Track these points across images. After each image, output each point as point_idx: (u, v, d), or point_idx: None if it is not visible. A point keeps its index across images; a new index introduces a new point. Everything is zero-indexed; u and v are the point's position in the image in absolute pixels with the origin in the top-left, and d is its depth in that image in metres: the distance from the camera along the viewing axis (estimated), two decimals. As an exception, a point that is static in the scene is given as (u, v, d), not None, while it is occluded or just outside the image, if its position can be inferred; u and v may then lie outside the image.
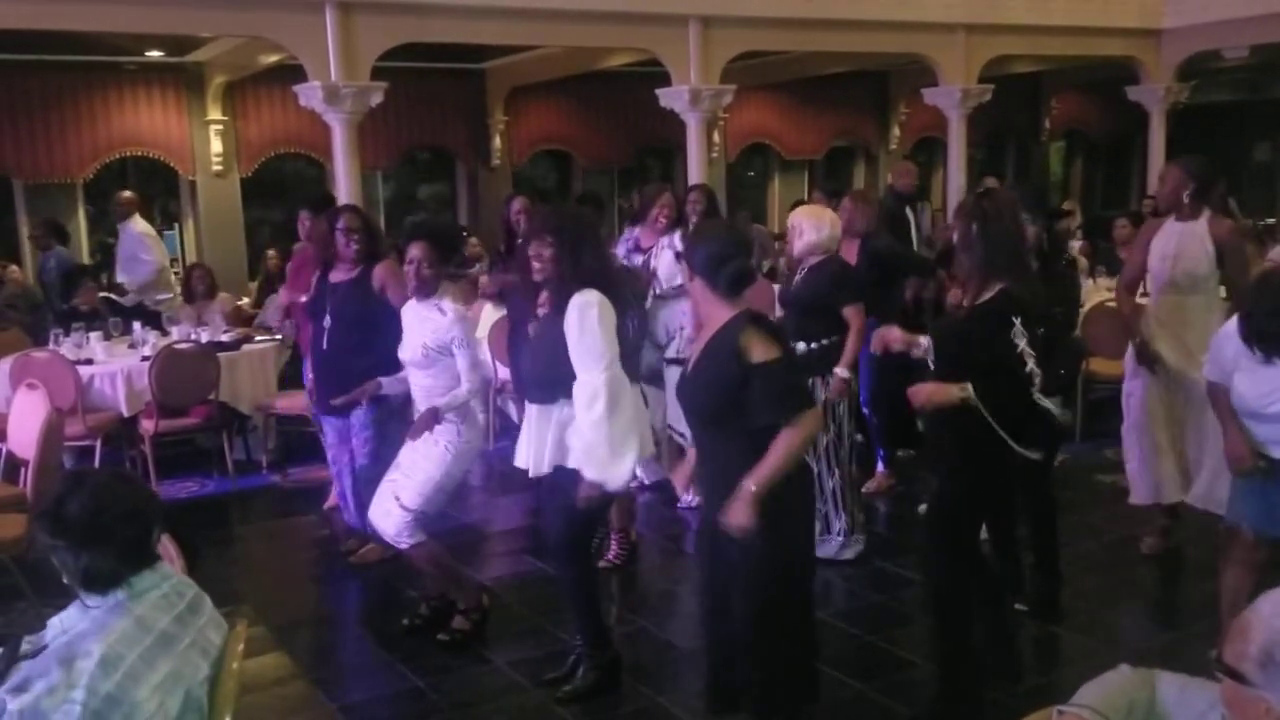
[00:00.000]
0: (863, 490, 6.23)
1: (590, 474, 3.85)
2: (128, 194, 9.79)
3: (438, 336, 4.54)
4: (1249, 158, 17.11)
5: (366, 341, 5.17)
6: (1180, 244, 5.13)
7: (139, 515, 2.41)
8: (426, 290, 4.63)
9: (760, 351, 3.18)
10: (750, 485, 3.16)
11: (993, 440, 3.67)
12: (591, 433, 3.83)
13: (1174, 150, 12.24)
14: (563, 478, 4.01)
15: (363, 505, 5.18)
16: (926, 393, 3.79)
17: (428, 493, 4.54)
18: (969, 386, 3.62)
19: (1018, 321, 3.62)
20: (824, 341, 5.32)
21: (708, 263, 3.30)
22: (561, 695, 4.19)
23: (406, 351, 4.67)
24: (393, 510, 4.55)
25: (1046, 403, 3.70)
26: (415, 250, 4.59)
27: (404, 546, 4.60)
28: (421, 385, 4.64)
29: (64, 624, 2.40)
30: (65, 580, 2.40)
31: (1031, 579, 4.80)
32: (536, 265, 3.93)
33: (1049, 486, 4.86)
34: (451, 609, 4.81)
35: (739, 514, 3.17)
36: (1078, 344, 7.32)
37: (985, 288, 3.74)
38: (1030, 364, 3.62)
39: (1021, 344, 3.62)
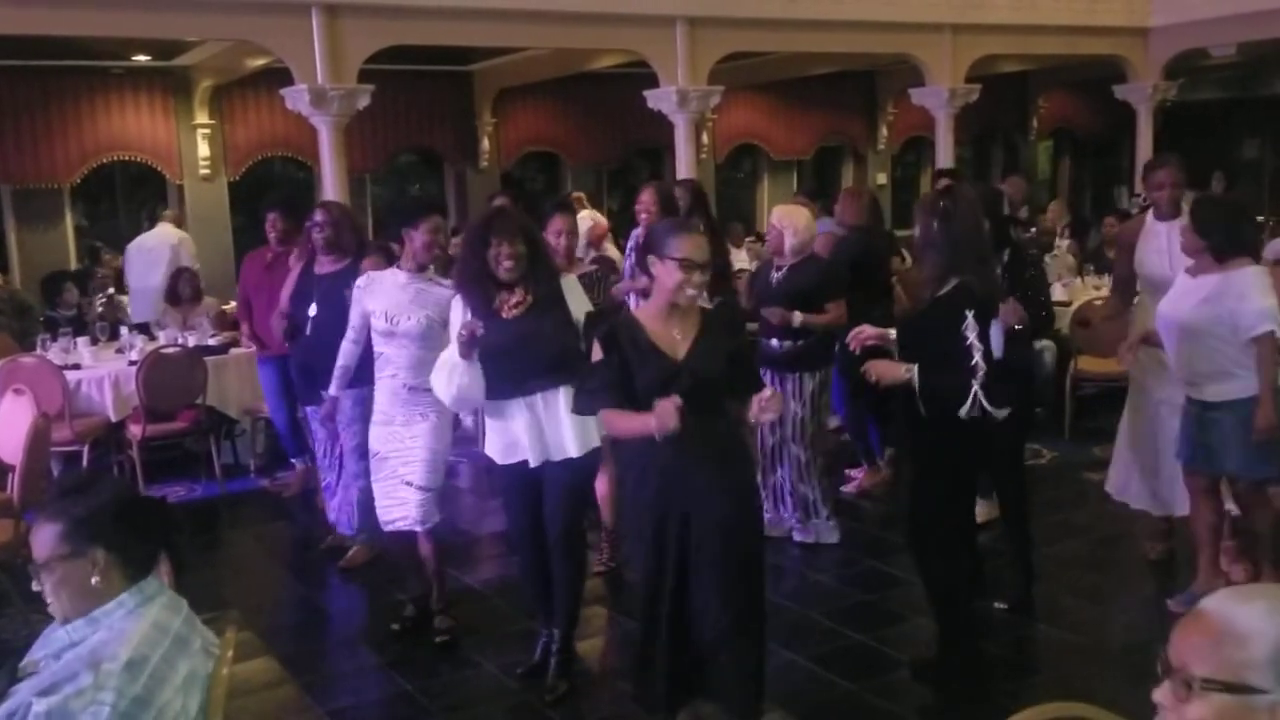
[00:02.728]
0: (844, 489, 6.39)
1: None
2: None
3: (442, 311, 4.52)
4: (1238, 155, 17.17)
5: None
6: (1173, 241, 5.07)
7: (167, 519, 2.52)
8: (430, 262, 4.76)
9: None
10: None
11: (954, 436, 3.76)
12: None
13: (1163, 148, 12.30)
14: (583, 461, 4.14)
15: (355, 499, 5.39)
16: (879, 368, 3.92)
17: (435, 466, 4.66)
18: (915, 369, 3.76)
19: (970, 315, 3.70)
20: (801, 341, 5.42)
21: None
22: (550, 698, 4.19)
23: (409, 322, 4.66)
24: (409, 497, 4.62)
25: (982, 399, 3.69)
26: (440, 220, 4.85)
27: (430, 526, 4.69)
28: (414, 355, 4.63)
29: (71, 636, 2.38)
30: (59, 595, 2.38)
31: (1008, 576, 4.81)
32: (509, 264, 4.02)
33: (1021, 480, 4.88)
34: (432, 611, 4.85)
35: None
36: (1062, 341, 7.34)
37: (945, 283, 3.83)
38: (977, 356, 3.68)
39: (971, 336, 3.69)
